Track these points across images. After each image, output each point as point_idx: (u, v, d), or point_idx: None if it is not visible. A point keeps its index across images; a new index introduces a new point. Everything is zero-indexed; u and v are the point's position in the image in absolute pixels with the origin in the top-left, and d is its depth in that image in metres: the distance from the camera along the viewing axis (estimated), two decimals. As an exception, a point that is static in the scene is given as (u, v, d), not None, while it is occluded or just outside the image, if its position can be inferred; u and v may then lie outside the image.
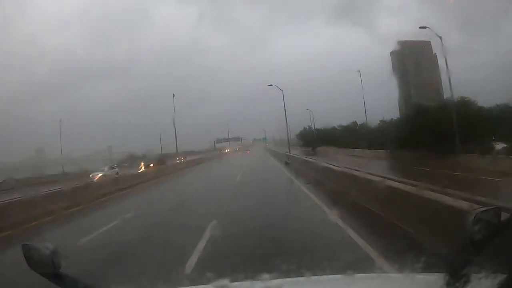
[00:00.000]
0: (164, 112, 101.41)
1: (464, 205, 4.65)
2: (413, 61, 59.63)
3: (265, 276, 1.74)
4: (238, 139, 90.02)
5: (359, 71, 50.65)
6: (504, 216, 1.73)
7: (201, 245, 6.41)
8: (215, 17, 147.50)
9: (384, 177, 9.41)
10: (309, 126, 65.22)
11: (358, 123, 52.49)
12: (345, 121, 56.12)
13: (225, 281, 1.79)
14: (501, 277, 1.39)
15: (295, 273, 2.05)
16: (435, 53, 55.13)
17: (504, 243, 2.64)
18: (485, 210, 1.71)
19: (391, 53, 58.05)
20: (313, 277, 1.84)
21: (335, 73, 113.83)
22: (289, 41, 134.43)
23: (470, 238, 1.63)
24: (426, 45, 56.99)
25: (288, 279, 1.94)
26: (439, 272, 1.58)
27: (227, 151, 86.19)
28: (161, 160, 43.79)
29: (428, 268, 1.79)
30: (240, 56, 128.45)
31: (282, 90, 41.66)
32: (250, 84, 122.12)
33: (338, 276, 1.84)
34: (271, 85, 42.10)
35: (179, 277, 4.69)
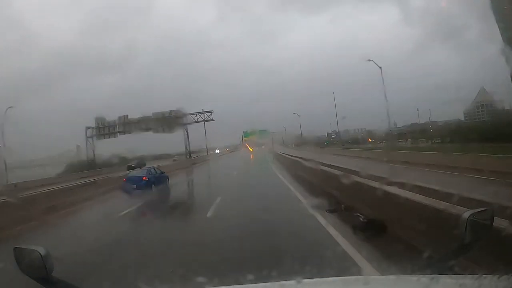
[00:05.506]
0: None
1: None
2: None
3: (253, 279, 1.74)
4: (178, 116, 36.96)
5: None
6: (497, 217, 1.73)
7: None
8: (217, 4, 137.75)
9: None
10: None
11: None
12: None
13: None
14: (493, 278, 1.39)
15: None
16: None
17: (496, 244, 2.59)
18: (478, 212, 1.72)
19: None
20: (305, 280, 1.82)
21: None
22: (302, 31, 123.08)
23: (462, 239, 1.63)
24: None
25: (283, 282, 1.92)
26: (430, 274, 1.58)
27: None
28: None
29: (420, 269, 1.78)
30: (245, 49, 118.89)
31: (380, 67, 32.62)
32: (254, 79, 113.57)
33: (330, 279, 1.83)
34: (370, 60, 32.52)
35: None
